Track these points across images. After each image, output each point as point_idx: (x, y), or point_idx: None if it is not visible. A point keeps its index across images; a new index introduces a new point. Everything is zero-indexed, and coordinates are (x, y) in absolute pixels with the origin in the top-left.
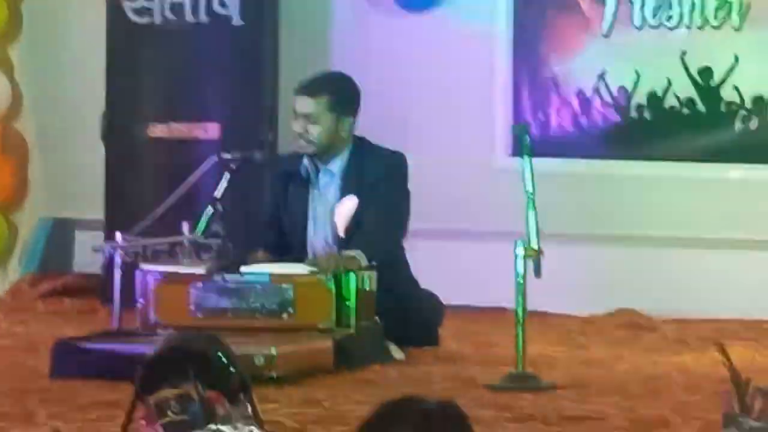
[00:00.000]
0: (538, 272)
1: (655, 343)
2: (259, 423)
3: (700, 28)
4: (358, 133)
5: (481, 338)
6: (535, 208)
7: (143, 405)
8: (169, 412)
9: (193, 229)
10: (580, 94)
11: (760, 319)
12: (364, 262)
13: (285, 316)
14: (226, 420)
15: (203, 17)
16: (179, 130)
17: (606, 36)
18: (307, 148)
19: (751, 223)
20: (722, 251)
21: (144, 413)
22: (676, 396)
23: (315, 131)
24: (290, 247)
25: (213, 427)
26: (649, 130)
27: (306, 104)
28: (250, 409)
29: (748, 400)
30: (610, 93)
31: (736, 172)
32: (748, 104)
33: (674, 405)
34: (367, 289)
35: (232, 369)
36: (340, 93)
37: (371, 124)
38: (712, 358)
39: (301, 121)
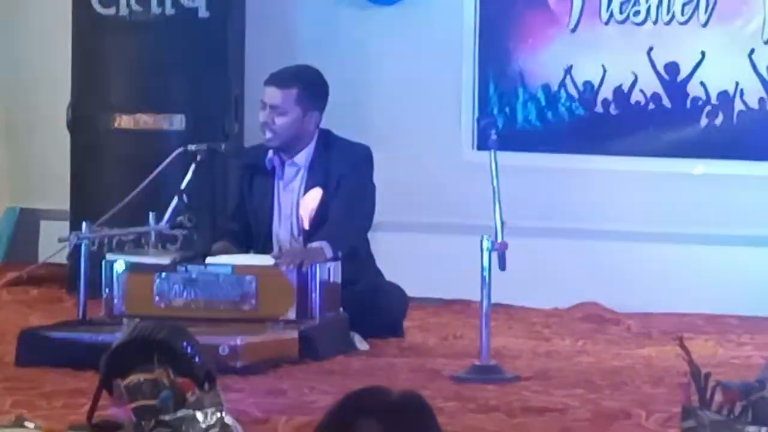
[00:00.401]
0: (502, 265)
1: (619, 336)
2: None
3: (666, 23)
4: (324, 125)
5: (446, 330)
6: (500, 201)
7: (109, 392)
8: (140, 396)
9: (158, 219)
10: (546, 88)
11: (722, 314)
12: (329, 253)
13: (247, 306)
14: (197, 405)
15: (169, 9)
16: (145, 120)
17: (573, 30)
18: (271, 140)
19: (716, 217)
20: (686, 246)
21: (112, 397)
22: (639, 389)
23: (280, 122)
24: (255, 239)
25: (184, 411)
26: (615, 125)
27: (274, 95)
28: (222, 395)
29: (707, 394)
30: (576, 87)
31: (700, 166)
32: (713, 100)
33: (637, 397)
34: (332, 280)
35: (196, 359)
36: (310, 87)
37: (337, 117)
38: (675, 351)
39: (268, 112)
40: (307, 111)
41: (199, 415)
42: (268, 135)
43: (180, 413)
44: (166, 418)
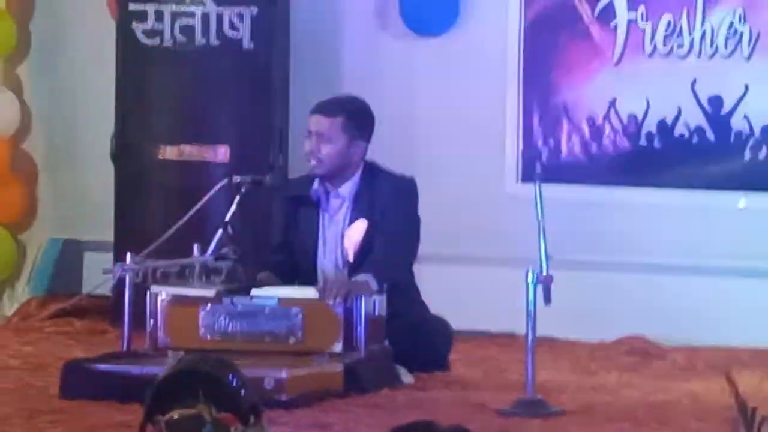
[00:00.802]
0: (548, 299)
1: (664, 370)
2: None
3: (710, 57)
4: (368, 157)
5: (491, 364)
6: (544, 234)
7: (153, 426)
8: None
9: (203, 251)
10: (591, 121)
11: None
12: (374, 286)
13: (293, 339)
14: None
15: (214, 40)
16: (189, 151)
17: (617, 63)
18: (316, 168)
19: (760, 251)
20: (731, 279)
21: None
22: (685, 423)
23: (326, 150)
24: (300, 271)
25: None
26: (659, 158)
27: (320, 123)
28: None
29: (754, 428)
30: (621, 120)
31: (744, 200)
32: (757, 133)
33: None
34: (377, 313)
35: (242, 392)
36: (356, 116)
37: (381, 148)
38: (720, 385)
39: (314, 140)
40: (353, 140)
41: None
42: (314, 163)
43: None
44: None
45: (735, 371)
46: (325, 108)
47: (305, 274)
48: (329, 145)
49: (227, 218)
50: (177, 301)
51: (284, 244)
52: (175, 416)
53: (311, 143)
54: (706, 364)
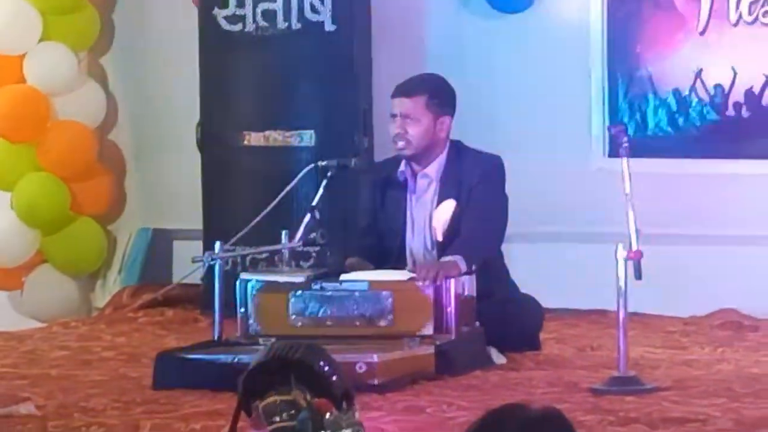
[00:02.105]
0: (638, 274)
1: (758, 342)
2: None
3: None
4: (453, 136)
5: (582, 341)
6: (633, 209)
7: (247, 413)
8: (277, 418)
9: (291, 237)
10: (677, 93)
11: None
12: (463, 267)
13: (384, 323)
14: (334, 426)
15: (296, 24)
16: (274, 137)
17: (701, 33)
18: (405, 149)
19: None
20: None
21: (251, 419)
22: None
23: (413, 131)
24: (388, 254)
25: None
26: (747, 128)
27: (404, 104)
28: (356, 415)
29: None
30: (707, 91)
31: None
32: None
33: None
34: (467, 294)
35: (334, 377)
36: (438, 92)
37: (467, 127)
38: None
39: (399, 122)
40: (438, 116)
41: None
42: (401, 144)
43: None
44: None
45: None
46: (407, 89)
47: (394, 257)
48: (415, 124)
49: (314, 203)
50: (267, 287)
51: (372, 227)
52: (272, 402)
53: (396, 126)
54: None
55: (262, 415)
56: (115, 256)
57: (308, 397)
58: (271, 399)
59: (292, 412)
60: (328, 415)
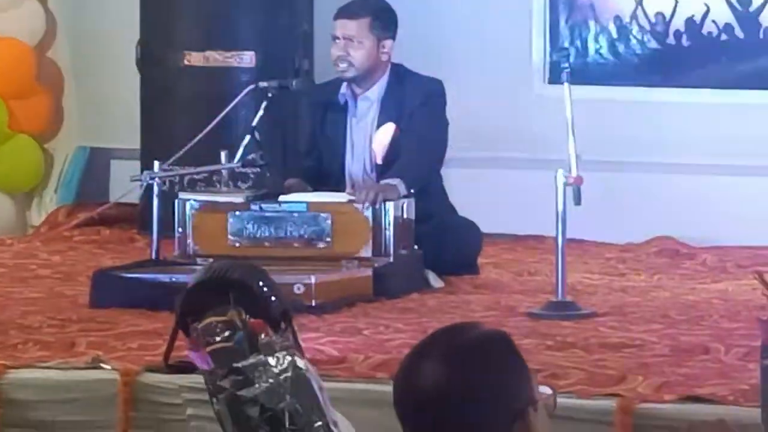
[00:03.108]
0: (578, 200)
1: (694, 270)
2: (300, 352)
3: None
4: (395, 60)
5: (520, 266)
6: (573, 135)
7: (185, 333)
8: (217, 338)
9: (230, 157)
10: (618, 20)
11: None
12: (402, 190)
13: (322, 244)
14: (268, 349)
15: None
16: (215, 58)
17: None
18: (346, 71)
19: None
20: (760, 178)
21: (190, 340)
22: (717, 323)
23: (356, 53)
24: (328, 176)
25: (256, 357)
26: (687, 57)
27: (347, 27)
28: (291, 337)
29: None
30: (648, 19)
31: None
32: None
33: (715, 332)
34: (406, 217)
35: (272, 298)
36: (381, 15)
37: (408, 51)
38: (751, 285)
39: (342, 44)
40: (381, 39)
41: (271, 360)
42: (343, 66)
43: (252, 359)
44: (239, 365)
45: (764, 271)
46: (350, 11)
47: (334, 180)
48: (358, 47)
49: (254, 124)
50: (205, 208)
51: (312, 149)
52: (209, 323)
53: (339, 48)
54: (736, 263)
55: (201, 336)
56: (52, 175)
57: (244, 317)
58: (208, 320)
59: (229, 333)
60: (262, 336)
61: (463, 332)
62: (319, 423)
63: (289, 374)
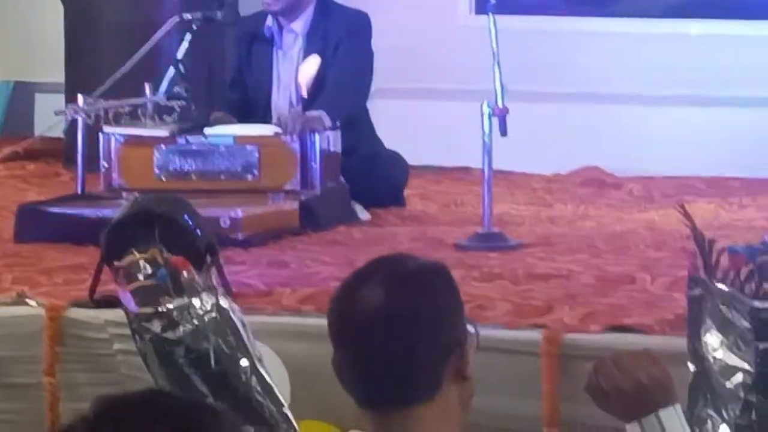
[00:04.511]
0: (503, 130)
1: (620, 200)
2: (227, 286)
3: None
4: None
5: (447, 198)
6: (499, 66)
7: (110, 268)
8: (139, 275)
9: (155, 90)
10: None
11: (723, 176)
12: (328, 122)
13: (249, 177)
14: (191, 288)
15: None
16: None
17: None
18: (273, 5)
19: (714, 79)
20: (687, 108)
21: (114, 278)
22: (643, 253)
23: None
24: (254, 109)
25: (179, 300)
26: None
27: None
28: (215, 276)
29: (713, 259)
30: None
31: (698, 27)
32: None
33: (641, 262)
34: (332, 150)
35: (198, 231)
36: None
37: None
38: (677, 215)
39: None
40: None
41: (195, 302)
42: (270, 1)
43: (176, 302)
44: (163, 309)
45: (689, 201)
46: None
47: (260, 113)
48: None
49: (179, 56)
50: (130, 141)
51: (238, 81)
52: (130, 261)
53: None
54: (662, 193)
55: (122, 275)
56: None
57: (166, 255)
58: (129, 257)
59: (151, 271)
60: (185, 273)
61: (406, 261)
62: (246, 361)
63: (213, 315)
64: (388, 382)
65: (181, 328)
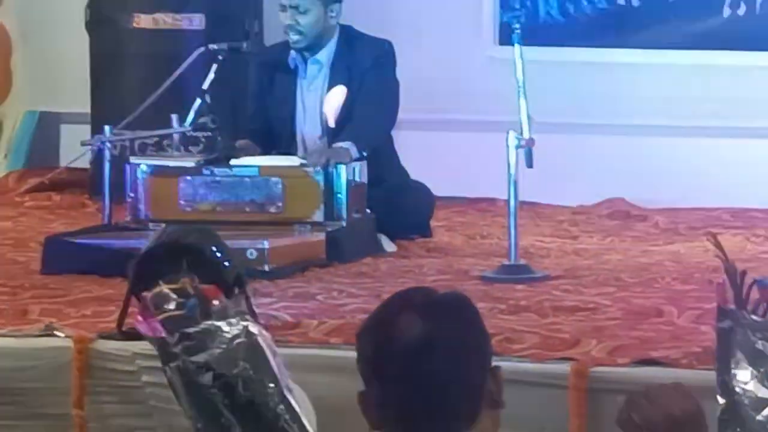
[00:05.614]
0: (530, 162)
1: (646, 232)
2: (254, 317)
3: None
4: (344, 21)
5: (473, 229)
6: (525, 96)
7: (137, 300)
8: (168, 306)
9: (181, 121)
10: None
11: (749, 207)
12: (355, 153)
13: (273, 209)
14: (221, 314)
15: None
16: (164, 20)
17: None
18: (298, 41)
19: (740, 110)
20: (711, 139)
21: (140, 308)
22: (669, 285)
23: (304, 21)
24: (278, 139)
25: (208, 323)
26: (637, 17)
27: None
28: (244, 303)
29: (743, 292)
30: None
31: (724, 58)
32: None
33: (668, 294)
34: (358, 180)
35: (226, 263)
36: None
37: (358, 12)
38: (703, 246)
39: (290, 13)
40: (328, 5)
41: (224, 326)
42: (295, 37)
43: (204, 325)
44: (190, 331)
45: (716, 233)
46: None
47: (284, 143)
48: (306, 15)
49: (205, 87)
50: (157, 172)
51: (260, 110)
52: (158, 292)
53: (288, 17)
54: (688, 225)
55: (151, 306)
56: (2, 140)
57: (197, 284)
58: (158, 289)
59: (181, 301)
60: (215, 302)
61: (432, 292)
62: (274, 388)
63: (242, 339)
64: (434, 410)
65: (208, 352)
